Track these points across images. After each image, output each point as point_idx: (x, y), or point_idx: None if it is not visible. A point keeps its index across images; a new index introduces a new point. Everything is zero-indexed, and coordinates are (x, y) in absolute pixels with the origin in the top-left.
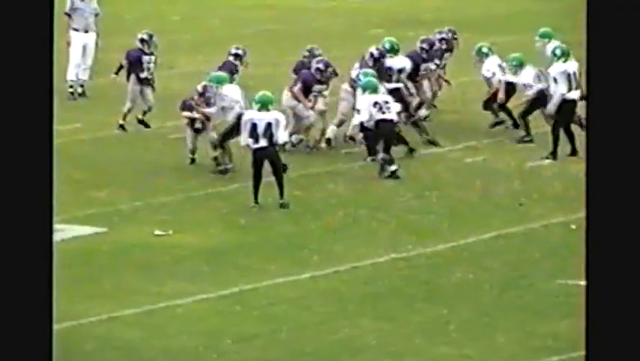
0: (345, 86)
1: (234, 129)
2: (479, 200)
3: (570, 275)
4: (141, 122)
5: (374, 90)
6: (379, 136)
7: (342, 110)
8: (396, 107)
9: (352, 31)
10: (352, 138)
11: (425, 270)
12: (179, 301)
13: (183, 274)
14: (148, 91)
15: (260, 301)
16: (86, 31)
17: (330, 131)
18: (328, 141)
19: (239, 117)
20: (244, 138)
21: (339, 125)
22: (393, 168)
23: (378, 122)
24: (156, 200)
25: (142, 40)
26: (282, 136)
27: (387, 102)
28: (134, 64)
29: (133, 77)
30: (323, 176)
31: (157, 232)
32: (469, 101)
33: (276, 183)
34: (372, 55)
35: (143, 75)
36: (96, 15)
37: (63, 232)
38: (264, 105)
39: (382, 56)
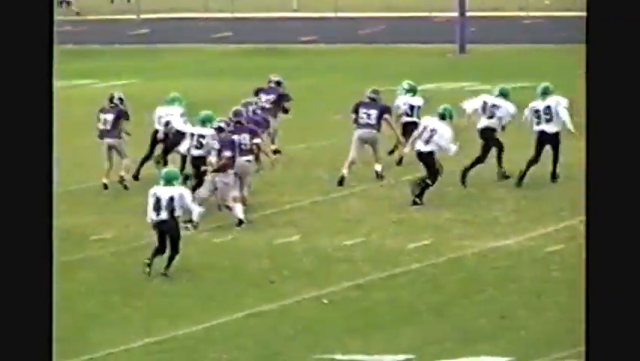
0: None
1: None
2: (230, 279)
3: (325, 349)
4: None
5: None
6: None
7: None
8: None
9: None
10: None
11: (178, 353)
12: None
13: None
14: None
15: None
16: None
17: None
18: None
19: None
20: (148, 211)
21: None
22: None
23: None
24: None
25: None
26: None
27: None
28: None
29: None
30: (74, 263)
31: None
32: None
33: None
34: None
35: None
36: None
37: None
38: (169, 181)
39: None
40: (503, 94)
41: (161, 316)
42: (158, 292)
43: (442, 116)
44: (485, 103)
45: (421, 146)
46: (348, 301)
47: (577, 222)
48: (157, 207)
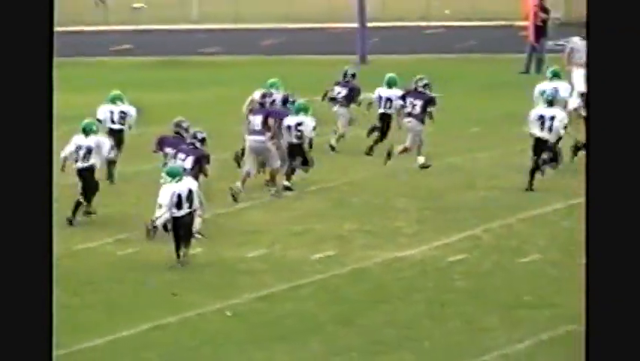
0: None
1: None
2: (134, 292)
3: None
4: None
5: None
6: None
7: None
8: None
9: None
10: None
11: None
12: None
13: None
14: None
15: None
16: None
17: None
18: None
19: None
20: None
21: None
22: None
23: None
24: None
25: None
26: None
27: None
28: None
29: None
30: None
31: None
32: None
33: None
34: None
35: None
36: None
37: None
38: (176, 176)
39: None
40: (389, 83)
41: (64, 328)
42: (61, 305)
43: (304, 110)
44: (380, 96)
45: (293, 139)
46: (252, 313)
47: (479, 232)
48: (179, 203)
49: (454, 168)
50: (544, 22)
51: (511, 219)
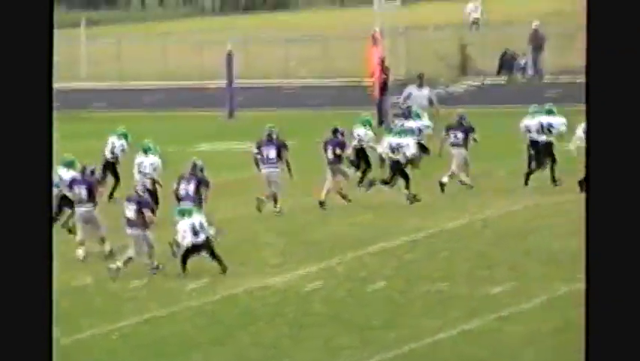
0: None
1: None
2: None
3: None
4: None
5: None
6: None
7: None
8: None
9: None
10: None
11: None
12: None
13: None
14: None
15: None
16: None
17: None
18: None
19: None
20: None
21: None
22: None
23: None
24: None
25: None
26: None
27: None
28: None
29: None
30: None
31: None
32: None
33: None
34: None
35: None
36: None
37: None
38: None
39: None
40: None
41: None
42: None
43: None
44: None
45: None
46: (137, 336)
47: (334, 263)
48: (194, 232)
49: (312, 207)
50: (386, 80)
51: (361, 252)
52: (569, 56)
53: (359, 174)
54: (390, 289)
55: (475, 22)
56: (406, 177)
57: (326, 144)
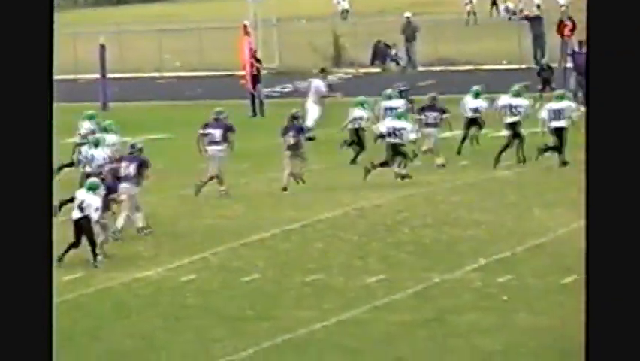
0: None
1: None
2: None
3: None
4: None
5: None
6: None
7: None
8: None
9: None
10: None
11: None
12: None
13: None
14: None
15: None
16: None
17: None
18: None
19: None
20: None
21: None
22: None
23: None
24: None
25: None
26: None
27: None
28: None
29: None
30: None
31: None
32: None
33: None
34: None
35: None
36: None
37: None
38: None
39: None
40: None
41: None
42: None
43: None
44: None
45: None
46: None
47: (208, 255)
48: (80, 208)
49: (186, 198)
50: (258, 71)
51: (235, 243)
52: (441, 45)
53: (352, 154)
54: (264, 280)
55: (345, 12)
56: (405, 157)
57: (286, 129)
